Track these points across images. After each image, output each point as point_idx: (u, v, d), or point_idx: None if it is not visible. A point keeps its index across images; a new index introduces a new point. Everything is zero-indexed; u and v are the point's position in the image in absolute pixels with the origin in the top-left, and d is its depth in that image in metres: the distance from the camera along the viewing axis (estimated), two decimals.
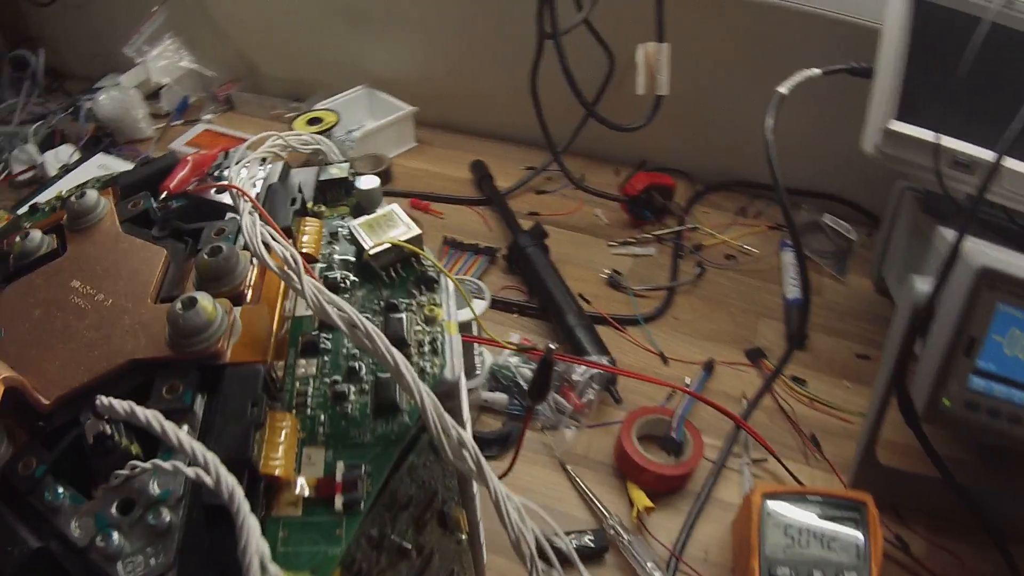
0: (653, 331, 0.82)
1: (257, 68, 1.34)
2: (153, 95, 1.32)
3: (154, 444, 0.33)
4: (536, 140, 1.01)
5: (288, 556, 0.32)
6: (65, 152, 1.19)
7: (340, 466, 0.34)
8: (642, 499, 0.63)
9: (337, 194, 0.47)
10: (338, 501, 0.33)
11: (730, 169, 1.06)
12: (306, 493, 0.33)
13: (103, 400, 0.31)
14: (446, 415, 0.33)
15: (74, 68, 1.44)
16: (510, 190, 1.04)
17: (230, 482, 0.29)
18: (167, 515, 0.30)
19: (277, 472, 0.33)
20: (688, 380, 0.76)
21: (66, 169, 1.15)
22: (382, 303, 0.40)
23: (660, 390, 0.74)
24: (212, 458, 0.29)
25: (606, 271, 0.90)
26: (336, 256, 0.43)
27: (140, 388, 0.34)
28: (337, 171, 0.47)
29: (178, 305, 0.34)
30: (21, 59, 1.33)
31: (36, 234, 0.41)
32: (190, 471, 0.30)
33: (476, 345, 0.71)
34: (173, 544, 0.30)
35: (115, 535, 0.30)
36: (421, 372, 0.37)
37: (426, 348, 0.38)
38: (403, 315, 0.39)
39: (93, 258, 0.40)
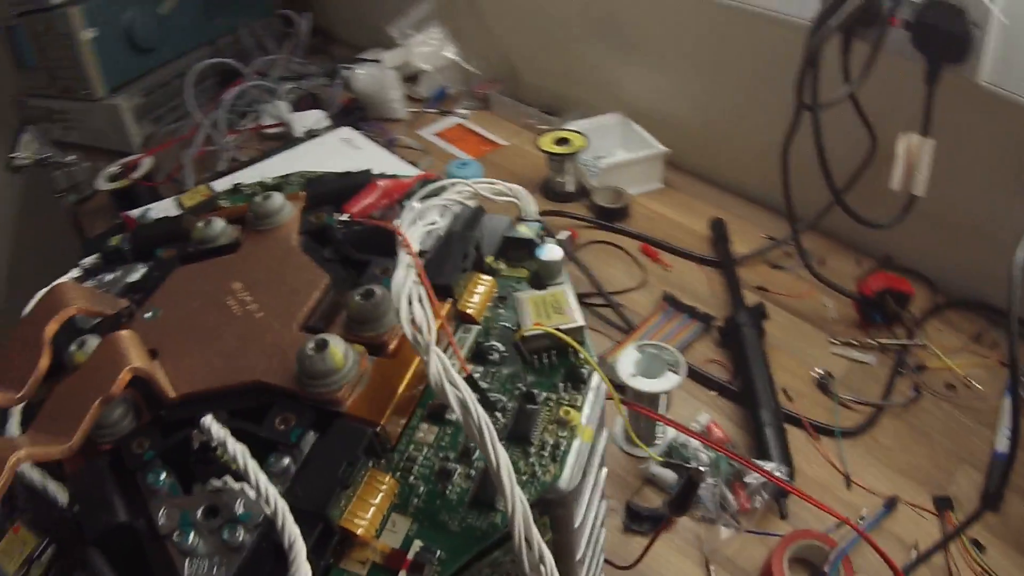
0: (847, 447, 0.85)
1: (519, 74, 1.50)
2: (411, 79, 1.51)
3: (260, 456, 0.41)
4: (783, 208, 1.05)
5: None
6: (313, 117, 1.41)
7: (416, 545, 0.40)
8: None
9: (520, 253, 0.53)
10: None
11: (976, 287, 1.03)
12: (376, 559, 0.39)
13: (206, 422, 0.40)
14: (534, 528, 0.38)
15: (342, 34, 1.67)
16: (744, 257, 1.11)
17: (293, 533, 0.36)
18: (241, 535, 0.38)
19: (358, 532, 0.39)
20: (864, 512, 0.78)
21: (311, 134, 1.35)
22: (523, 388, 0.45)
23: (823, 516, 0.76)
24: (283, 506, 0.37)
25: (818, 370, 0.94)
26: (499, 322, 0.50)
27: (260, 408, 0.42)
28: (525, 230, 0.54)
29: (310, 345, 0.42)
30: (287, 18, 1.56)
31: (219, 224, 0.52)
32: (268, 509, 0.37)
33: None
34: (237, 562, 0.37)
35: (192, 535, 0.38)
36: (532, 475, 0.42)
37: (547, 451, 0.42)
38: (538, 409, 0.44)
39: (261, 264, 0.49)
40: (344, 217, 0.52)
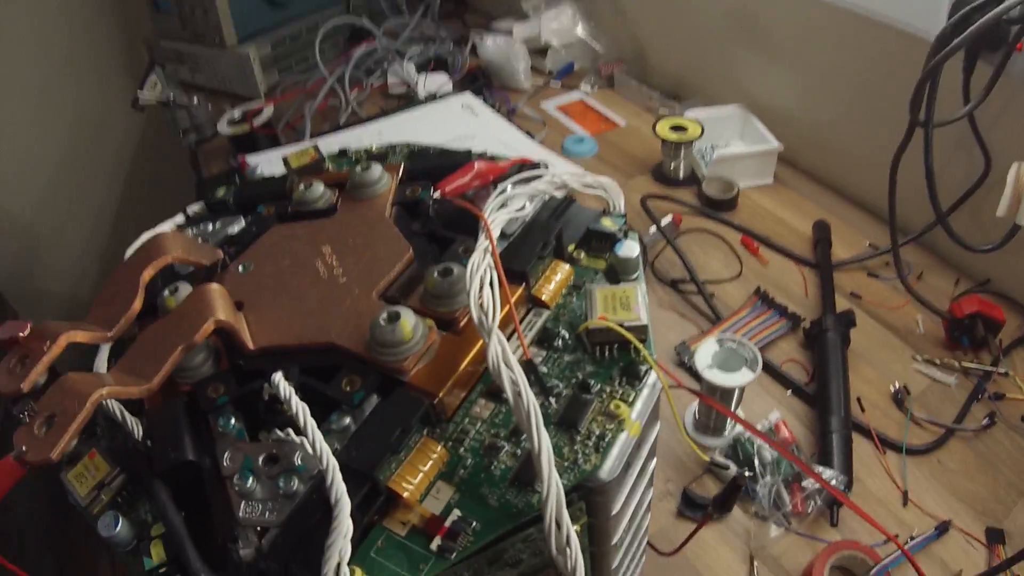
0: (911, 465, 0.86)
1: (646, 55, 1.51)
2: (539, 52, 1.53)
3: (325, 412, 0.44)
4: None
5: (374, 563, 0.41)
6: (437, 80, 1.45)
7: (455, 514, 0.42)
8: None
9: (601, 245, 0.55)
10: (435, 542, 0.41)
11: None
12: (416, 522, 0.42)
13: (275, 378, 0.43)
14: (565, 512, 0.39)
15: (476, 2, 1.70)
16: (842, 263, 1.12)
17: (340, 490, 0.39)
18: (296, 484, 0.41)
19: (404, 495, 0.42)
20: (916, 532, 0.78)
21: (432, 97, 1.39)
22: (580, 377, 0.47)
23: (874, 530, 0.76)
24: (333, 464, 0.39)
25: (897, 384, 0.94)
26: (569, 309, 0.51)
27: (330, 368, 0.45)
28: (608, 224, 0.54)
29: (383, 315, 0.44)
30: None
31: (318, 188, 0.55)
32: (320, 465, 0.39)
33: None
34: (288, 509, 0.41)
35: (251, 479, 0.41)
36: (574, 462, 0.43)
37: (592, 441, 0.44)
38: (591, 399, 0.45)
39: (352, 230, 0.52)
40: (437, 195, 0.54)
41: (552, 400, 0.46)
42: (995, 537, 0.78)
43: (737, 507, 0.80)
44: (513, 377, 0.42)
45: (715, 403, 0.64)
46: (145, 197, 2.05)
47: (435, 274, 0.47)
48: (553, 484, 0.40)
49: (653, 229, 1.14)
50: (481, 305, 0.44)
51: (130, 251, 0.51)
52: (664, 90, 1.45)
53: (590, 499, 0.45)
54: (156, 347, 0.44)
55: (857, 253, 1.13)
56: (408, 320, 0.44)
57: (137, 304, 0.47)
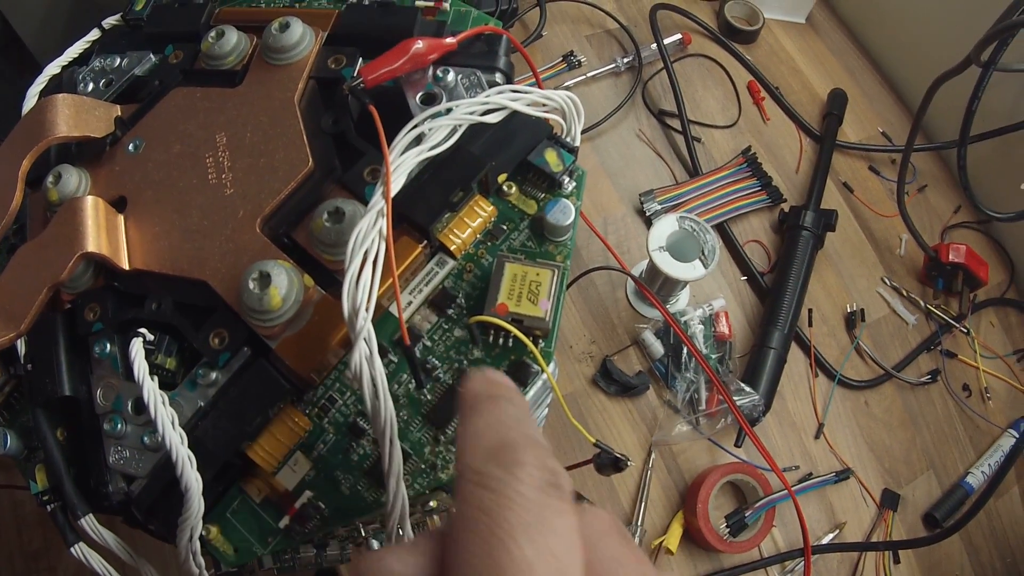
0: (837, 397, 0.82)
1: None
2: None
3: (194, 360, 0.42)
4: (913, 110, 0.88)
5: (228, 523, 0.43)
6: None
7: (306, 495, 0.42)
8: (674, 538, 0.71)
9: (539, 183, 0.45)
10: (283, 521, 0.42)
11: None
12: (268, 492, 0.42)
13: (134, 345, 0.40)
14: (408, 524, 0.38)
15: None
16: (847, 144, 0.98)
17: (189, 477, 0.39)
18: (158, 439, 0.41)
19: (261, 464, 0.42)
20: (814, 472, 0.78)
21: None
22: (464, 363, 0.43)
23: (780, 455, 0.78)
24: (181, 455, 0.39)
25: (855, 305, 0.87)
26: (481, 264, 0.44)
27: (205, 309, 0.42)
28: (552, 161, 0.44)
29: (253, 275, 0.40)
30: None
31: (230, 39, 0.46)
32: (165, 450, 0.39)
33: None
34: (151, 463, 0.41)
35: (120, 424, 0.42)
36: (432, 467, 0.42)
37: (456, 447, 0.41)
38: None
39: (253, 116, 0.45)
40: (357, 82, 0.44)
41: (425, 391, 0.42)
42: (889, 501, 0.77)
43: (651, 391, 0.77)
44: (374, 380, 0.38)
45: (650, 293, 0.57)
46: None
47: (324, 216, 0.41)
48: (399, 501, 0.38)
49: (653, 46, 0.93)
50: (356, 290, 0.38)
51: (27, 103, 0.45)
52: None
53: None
54: (27, 281, 0.41)
55: (866, 137, 0.99)
56: (279, 287, 0.40)
57: (16, 200, 0.43)
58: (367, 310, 0.37)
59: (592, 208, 0.86)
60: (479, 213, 0.44)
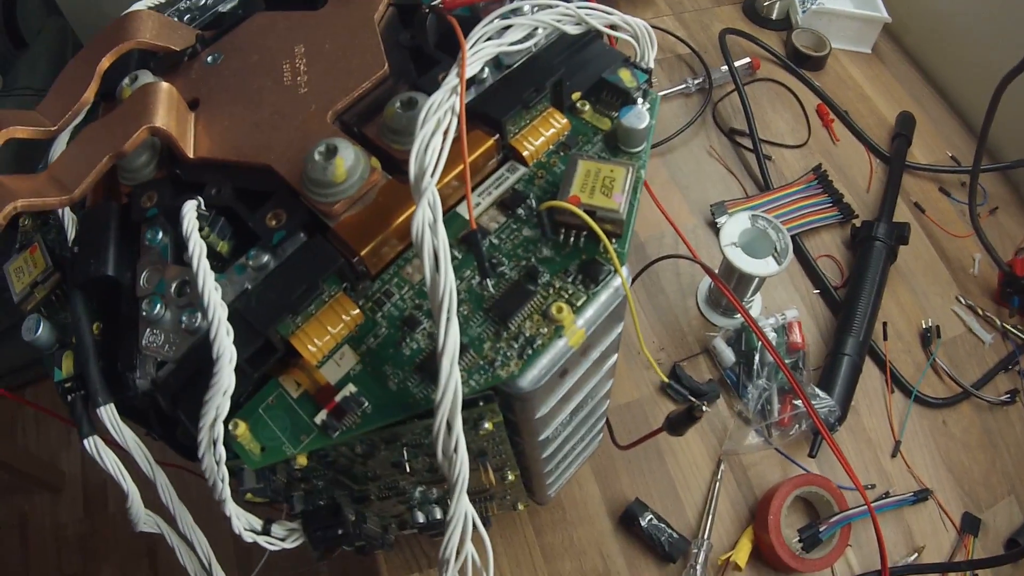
0: (914, 414, 0.79)
1: None
2: None
3: (248, 245, 0.39)
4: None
5: (259, 420, 0.39)
6: None
7: (348, 389, 0.38)
8: (743, 553, 0.67)
9: (612, 101, 0.45)
10: (320, 416, 0.38)
11: None
12: (308, 385, 0.38)
13: (186, 207, 0.38)
14: (459, 419, 0.34)
15: None
16: (917, 166, 0.98)
17: (222, 345, 0.35)
18: (199, 321, 0.38)
19: (304, 354, 0.38)
20: (893, 490, 0.73)
21: None
22: (532, 261, 0.40)
23: (855, 472, 0.71)
24: (219, 317, 0.35)
25: (930, 321, 0.85)
26: (554, 171, 0.43)
27: (267, 194, 0.40)
28: (626, 77, 0.44)
29: (320, 148, 0.38)
30: None
31: None
32: (207, 317, 0.35)
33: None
34: (186, 346, 0.38)
35: (159, 306, 0.38)
36: (490, 363, 0.38)
37: (518, 343, 0.38)
38: (534, 292, 0.39)
39: (333, 32, 0.45)
40: (437, 1, 0.45)
41: (488, 283, 0.39)
42: (970, 525, 0.72)
43: (722, 401, 0.75)
44: (435, 250, 0.35)
45: (725, 287, 0.55)
46: None
47: (397, 104, 0.40)
48: (451, 387, 0.34)
49: (724, 68, 0.99)
50: (425, 154, 0.36)
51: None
52: None
53: (510, 402, 0.40)
54: (88, 151, 0.40)
55: (935, 161, 1.00)
56: (345, 158, 0.38)
57: (89, 93, 0.43)
58: (432, 175, 0.35)
59: (662, 218, 0.86)
60: (553, 124, 0.43)
